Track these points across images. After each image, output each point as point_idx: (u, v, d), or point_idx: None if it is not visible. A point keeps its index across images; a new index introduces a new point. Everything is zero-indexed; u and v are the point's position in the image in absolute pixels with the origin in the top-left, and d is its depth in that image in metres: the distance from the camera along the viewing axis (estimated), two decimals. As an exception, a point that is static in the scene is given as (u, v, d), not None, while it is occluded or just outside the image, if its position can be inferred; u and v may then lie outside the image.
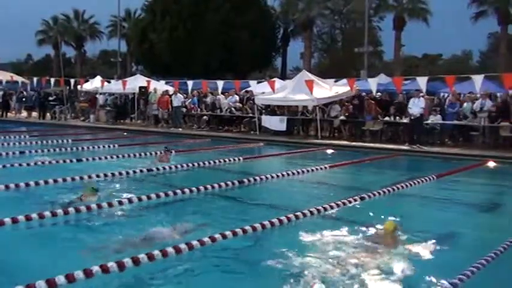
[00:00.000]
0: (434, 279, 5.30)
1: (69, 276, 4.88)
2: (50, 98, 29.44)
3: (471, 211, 8.61)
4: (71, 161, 12.63)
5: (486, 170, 13.62)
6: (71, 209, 7.60)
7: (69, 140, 17.62)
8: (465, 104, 17.73)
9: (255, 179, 10.63)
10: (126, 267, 5.30)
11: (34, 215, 7.11)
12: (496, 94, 19.46)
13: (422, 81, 18.00)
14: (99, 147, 15.92)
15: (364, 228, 7.17)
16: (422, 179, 10.78)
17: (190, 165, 12.35)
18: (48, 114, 28.32)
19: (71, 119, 27.70)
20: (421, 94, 17.62)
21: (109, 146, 16.15)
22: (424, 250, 6.31)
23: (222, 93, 23.75)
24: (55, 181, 9.63)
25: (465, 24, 43.91)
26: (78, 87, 30.09)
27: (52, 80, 30.70)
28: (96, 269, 5.10)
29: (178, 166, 12.09)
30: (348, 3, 45.43)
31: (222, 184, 9.83)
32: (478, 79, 17.22)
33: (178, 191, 9.05)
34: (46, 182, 9.52)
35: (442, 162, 14.62)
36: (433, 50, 61.98)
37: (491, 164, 14.01)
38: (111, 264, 5.24)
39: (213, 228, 6.80)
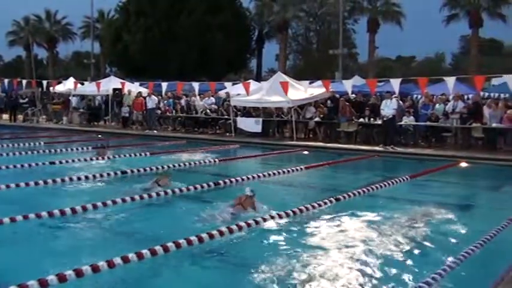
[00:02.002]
0: (405, 279, 5.37)
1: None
2: (22, 100, 28.94)
3: (443, 211, 8.72)
4: (44, 163, 12.44)
5: (458, 171, 13.83)
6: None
7: (42, 142, 17.35)
8: (437, 106, 17.98)
9: (231, 181, 10.62)
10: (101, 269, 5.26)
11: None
12: (468, 96, 19.80)
13: (395, 83, 18.20)
14: (72, 149, 15.71)
15: (338, 229, 7.26)
16: (396, 180, 10.90)
17: (166, 167, 12.26)
18: (19, 116, 27.83)
19: (43, 121, 27.28)
20: (394, 96, 17.81)
21: (83, 149, 15.95)
22: (397, 250, 6.39)
23: (198, 95, 23.66)
24: (27, 184, 9.47)
25: (438, 27, 44.54)
26: (51, 89, 29.67)
27: (24, 81, 30.16)
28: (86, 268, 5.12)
29: (153, 168, 12.00)
30: (322, 6, 45.72)
31: (198, 186, 9.81)
32: (450, 81, 17.49)
33: (153, 194, 9.00)
34: (17, 185, 9.37)
35: (416, 163, 14.79)
36: (407, 52, 62.81)
37: (463, 164, 14.23)
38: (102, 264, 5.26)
39: (187, 231, 6.77)
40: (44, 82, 29.94)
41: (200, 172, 12.43)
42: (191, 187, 9.65)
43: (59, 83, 30.63)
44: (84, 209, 7.85)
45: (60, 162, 12.81)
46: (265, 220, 7.41)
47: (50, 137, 20.19)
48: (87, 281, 5.08)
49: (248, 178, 10.99)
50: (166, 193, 9.13)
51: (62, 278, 4.92)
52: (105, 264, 5.30)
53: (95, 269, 5.20)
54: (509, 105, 17.22)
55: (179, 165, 12.61)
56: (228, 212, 7.73)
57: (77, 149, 15.89)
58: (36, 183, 9.65)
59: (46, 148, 16.01)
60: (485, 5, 39.96)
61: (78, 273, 5.05)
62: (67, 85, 28.89)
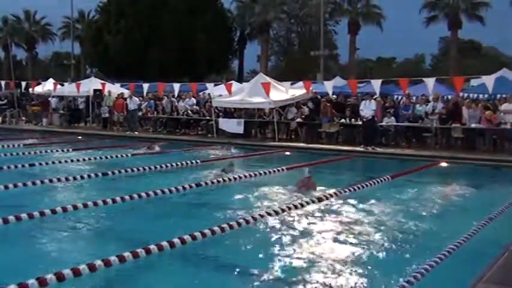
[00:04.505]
0: (387, 279, 5.41)
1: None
2: (0, 102, 28.54)
3: (424, 210, 8.81)
4: (23, 166, 12.28)
5: (439, 170, 13.97)
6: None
7: (21, 144, 17.14)
8: (419, 107, 18.10)
9: (212, 182, 10.59)
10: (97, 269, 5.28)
11: None
12: (448, 96, 20.03)
13: (376, 84, 18.34)
14: (52, 151, 15.54)
15: (319, 229, 7.30)
16: (378, 180, 10.99)
17: (147, 168, 12.20)
18: (-2, 118, 27.47)
19: (22, 122, 26.93)
20: (375, 96, 17.94)
21: (62, 150, 15.79)
22: (379, 249, 6.44)
23: (178, 96, 23.57)
24: (6, 187, 9.35)
25: (417, 28, 45.08)
26: (30, 90, 29.30)
27: (2, 82, 29.75)
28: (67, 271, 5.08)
29: (134, 169, 11.93)
30: (303, 7, 45.92)
31: (180, 187, 9.77)
32: (430, 82, 17.67)
33: (135, 195, 8.93)
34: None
35: (397, 163, 14.91)
36: (387, 54, 63.35)
37: (443, 164, 14.39)
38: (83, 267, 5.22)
39: (172, 232, 6.74)
40: (23, 83, 29.50)
41: (182, 173, 12.36)
42: (173, 188, 9.61)
43: (38, 84, 30.28)
44: (65, 210, 7.78)
45: (40, 164, 12.69)
46: (247, 221, 7.42)
47: (29, 139, 19.90)
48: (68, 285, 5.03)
49: (230, 180, 11.00)
50: (148, 194, 9.07)
51: (42, 282, 4.86)
52: (86, 267, 5.26)
53: (76, 272, 5.15)
54: (487, 106, 17.47)
55: (161, 167, 12.55)
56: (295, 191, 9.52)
57: (57, 150, 15.74)
58: (15, 185, 9.53)
59: (25, 150, 15.77)
60: (464, 7, 40.53)
61: (59, 277, 5.00)
62: (46, 86, 28.59)
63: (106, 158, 14.34)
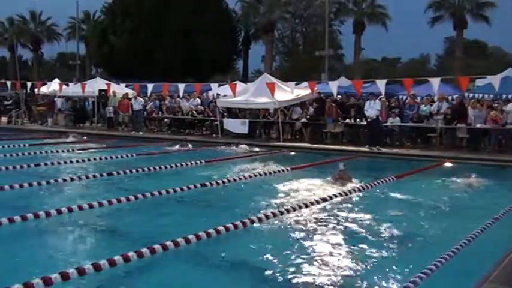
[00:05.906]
0: (390, 280, 5.41)
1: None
2: (6, 102, 28.63)
3: (429, 211, 8.79)
4: (29, 166, 12.32)
5: (443, 171, 13.92)
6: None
7: (26, 144, 17.20)
8: (424, 107, 18.05)
9: (217, 182, 10.60)
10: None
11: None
12: (453, 96, 19.96)
13: (381, 84, 18.30)
14: (57, 151, 15.59)
15: (324, 229, 7.29)
16: (383, 180, 10.98)
17: (152, 169, 12.22)
18: (4, 118, 27.56)
19: (28, 123, 27.03)
20: (380, 97, 17.89)
21: (68, 151, 15.84)
22: (383, 249, 6.43)
23: (183, 96, 23.60)
24: (11, 187, 9.38)
25: (422, 28, 44.98)
26: (36, 90, 29.40)
27: (8, 83, 29.86)
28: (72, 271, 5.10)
29: (140, 170, 11.95)
30: (308, 7, 45.90)
31: (185, 188, 9.78)
32: (435, 82, 17.62)
33: (140, 195, 8.94)
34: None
35: (402, 163, 14.87)
36: (392, 54, 63.25)
37: (448, 164, 14.34)
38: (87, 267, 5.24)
39: (175, 232, 6.74)
40: (29, 83, 29.58)
41: (187, 173, 12.38)
42: (178, 189, 9.62)
43: (44, 84, 30.36)
44: (70, 210, 7.80)
45: (45, 164, 12.73)
46: (252, 221, 7.43)
47: (35, 139, 19.97)
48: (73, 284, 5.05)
49: (235, 180, 11.01)
50: (152, 194, 9.08)
51: (47, 282, 4.88)
52: (91, 266, 5.27)
53: (81, 271, 5.16)
54: (492, 106, 17.40)
55: (165, 167, 12.57)
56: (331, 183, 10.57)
57: (62, 150, 15.79)
58: (21, 185, 9.56)
59: (30, 150, 15.83)
60: (469, 7, 40.45)
61: (64, 276, 5.02)
62: (52, 86, 28.66)
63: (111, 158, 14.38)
